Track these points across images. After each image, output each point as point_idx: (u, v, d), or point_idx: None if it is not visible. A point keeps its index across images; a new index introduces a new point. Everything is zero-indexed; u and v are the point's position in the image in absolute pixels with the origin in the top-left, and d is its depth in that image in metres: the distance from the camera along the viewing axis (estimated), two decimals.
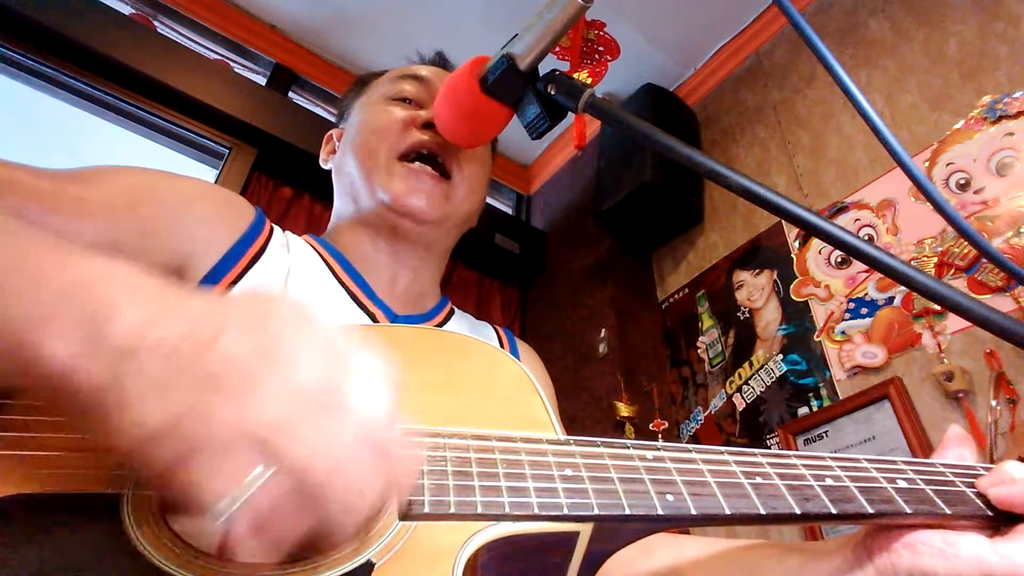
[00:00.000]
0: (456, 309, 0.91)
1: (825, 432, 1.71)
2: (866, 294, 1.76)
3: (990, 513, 0.47)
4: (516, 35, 0.67)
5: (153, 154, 2.29)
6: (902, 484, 0.47)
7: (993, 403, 1.33)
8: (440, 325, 0.84)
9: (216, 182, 2.11)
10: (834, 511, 0.43)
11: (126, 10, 2.32)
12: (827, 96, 2.15)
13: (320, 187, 2.33)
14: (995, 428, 1.30)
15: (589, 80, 2.44)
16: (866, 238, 1.30)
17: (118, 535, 0.35)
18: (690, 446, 0.47)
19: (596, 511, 0.39)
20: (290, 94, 2.66)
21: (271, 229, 0.76)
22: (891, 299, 1.69)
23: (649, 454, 0.45)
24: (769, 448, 1.85)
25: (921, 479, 0.48)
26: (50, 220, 0.52)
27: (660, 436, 2.11)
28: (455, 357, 0.54)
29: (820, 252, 1.95)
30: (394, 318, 0.78)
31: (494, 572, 0.39)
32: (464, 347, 0.56)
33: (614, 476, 0.42)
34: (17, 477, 0.36)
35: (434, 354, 0.54)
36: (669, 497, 0.41)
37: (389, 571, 0.36)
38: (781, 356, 1.93)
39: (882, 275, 0.54)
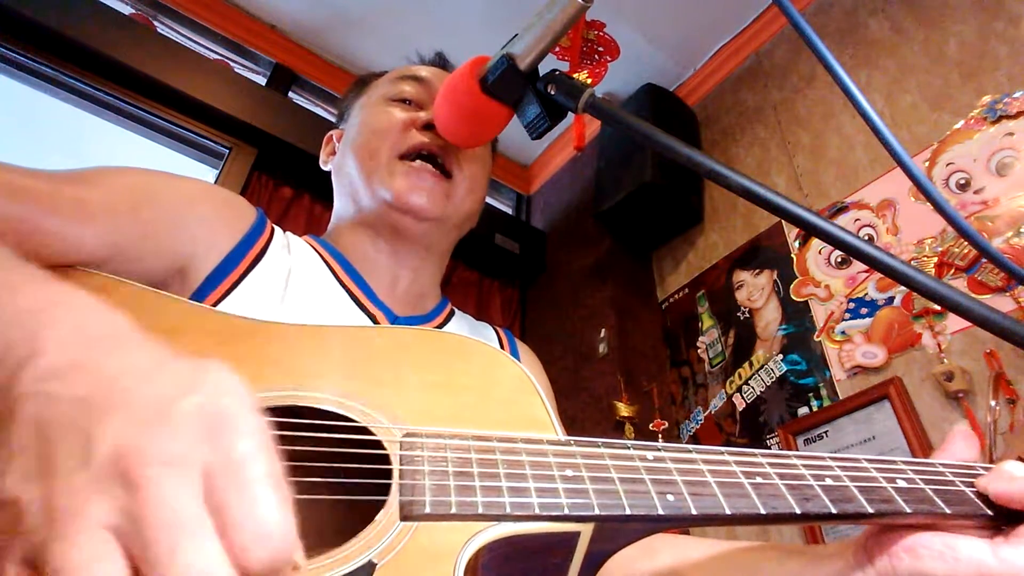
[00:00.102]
0: (456, 310, 0.91)
1: (825, 432, 1.71)
2: (866, 294, 1.76)
3: (990, 513, 0.47)
4: (516, 35, 0.67)
5: (153, 154, 2.29)
6: (902, 484, 0.47)
7: (992, 403, 1.33)
8: (440, 326, 0.85)
9: (216, 182, 2.11)
10: (834, 511, 0.43)
11: (126, 10, 2.32)
12: (827, 96, 2.15)
13: (320, 187, 2.33)
14: (994, 428, 1.30)
15: (589, 80, 2.44)
16: (866, 238, 1.30)
17: None
18: (690, 446, 0.47)
19: (597, 511, 0.39)
20: (290, 94, 2.66)
21: (272, 230, 0.76)
22: (891, 299, 1.69)
23: (649, 454, 0.45)
24: (769, 448, 1.85)
25: (921, 479, 0.48)
26: (50, 222, 0.52)
27: (660, 436, 2.11)
28: (455, 358, 0.54)
29: (820, 252, 1.95)
30: (394, 319, 0.78)
31: (495, 572, 0.39)
32: (464, 348, 0.56)
33: (615, 476, 0.42)
34: None
35: (434, 355, 0.54)
36: (670, 497, 0.41)
37: (390, 571, 0.36)
38: (781, 356, 1.93)
39: (882, 275, 0.54)
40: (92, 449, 0.25)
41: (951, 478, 0.49)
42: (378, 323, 0.75)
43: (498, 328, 0.94)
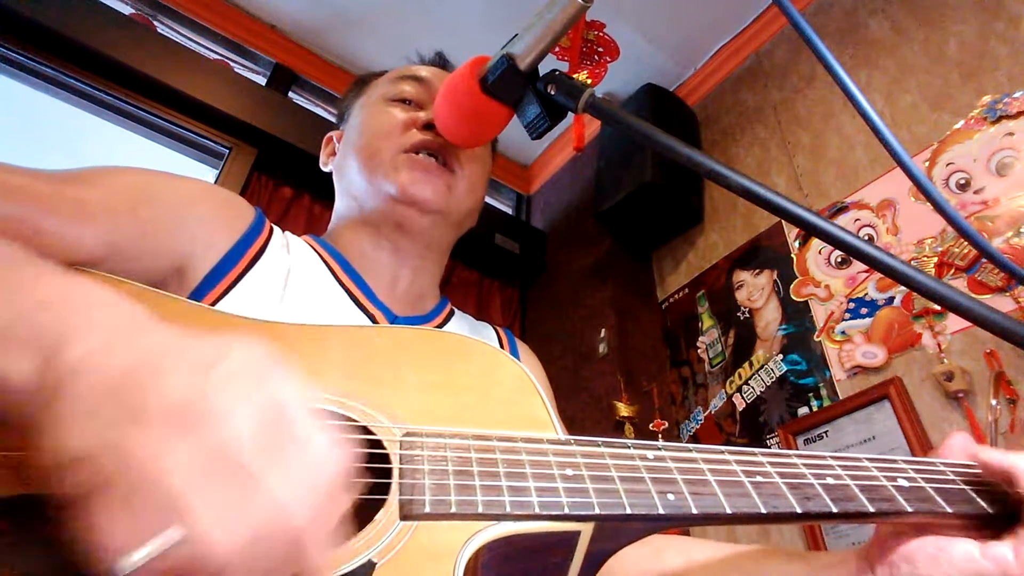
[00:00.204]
0: (456, 310, 0.91)
1: (825, 432, 1.71)
2: (866, 294, 1.76)
3: (991, 511, 0.47)
4: (516, 35, 0.67)
5: (153, 154, 2.29)
6: (903, 483, 0.47)
7: (993, 402, 1.33)
8: (440, 326, 0.84)
9: (216, 182, 2.11)
10: (835, 510, 0.43)
11: (126, 10, 2.32)
12: (827, 96, 2.15)
13: (320, 187, 2.33)
14: (995, 427, 1.30)
15: (588, 81, 2.44)
16: (866, 238, 1.30)
17: None
18: (691, 445, 0.47)
19: (597, 510, 0.39)
20: (290, 94, 2.66)
21: (271, 229, 0.76)
22: (891, 299, 1.69)
23: (650, 454, 0.45)
24: (769, 448, 1.85)
25: (922, 478, 0.48)
26: (49, 222, 0.52)
27: (660, 436, 2.11)
28: (455, 358, 0.54)
29: (820, 252, 1.95)
30: (393, 319, 0.78)
31: (495, 572, 0.39)
32: (464, 348, 0.56)
33: (615, 476, 0.42)
34: (15, 478, 0.36)
35: (434, 355, 0.54)
36: (670, 496, 0.41)
37: (390, 571, 0.36)
38: (781, 356, 1.93)
39: (882, 275, 0.54)
40: (155, 403, 0.28)
41: (952, 477, 0.49)
42: (377, 323, 0.75)
43: (498, 328, 0.94)
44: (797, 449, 1.74)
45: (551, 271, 2.85)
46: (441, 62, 0.96)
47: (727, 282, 2.23)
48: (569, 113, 0.65)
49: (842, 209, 1.92)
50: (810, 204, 2.02)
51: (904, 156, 0.51)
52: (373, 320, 0.75)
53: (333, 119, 1.01)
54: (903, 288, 1.30)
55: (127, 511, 0.26)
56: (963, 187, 1.63)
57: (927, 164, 1.73)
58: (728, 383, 2.07)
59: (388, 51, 2.61)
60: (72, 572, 0.32)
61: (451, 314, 0.89)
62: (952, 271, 1.58)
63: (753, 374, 2.00)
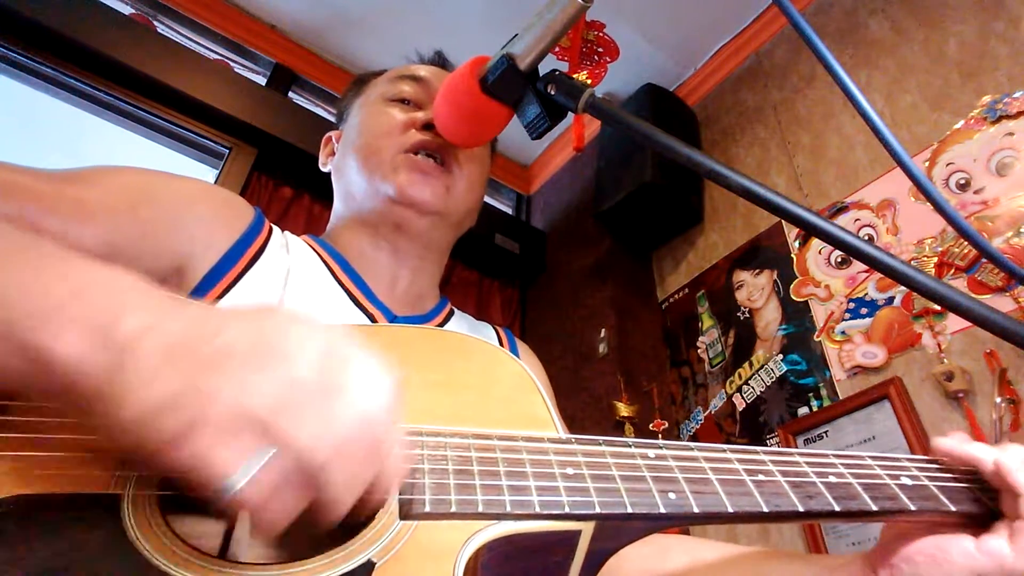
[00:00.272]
0: (456, 310, 0.91)
1: (825, 432, 1.71)
2: (866, 294, 1.76)
3: (995, 508, 0.47)
4: (516, 35, 0.67)
5: (153, 154, 2.29)
6: (906, 481, 0.47)
7: (998, 399, 1.33)
8: (440, 326, 0.84)
9: (216, 182, 2.11)
10: (837, 508, 0.43)
11: (126, 10, 2.31)
12: (827, 96, 2.15)
13: (320, 187, 2.33)
14: (1000, 424, 1.30)
15: (588, 81, 2.44)
16: (866, 238, 1.30)
17: (118, 536, 0.35)
18: (692, 444, 0.47)
19: (598, 510, 0.39)
20: (290, 94, 2.66)
21: (270, 229, 0.76)
22: (891, 299, 1.69)
23: (651, 452, 0.45)
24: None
25: (926, 476, 0.48)
26: (49, 222, 0.52)
27: (660, 436, 2.11)
28: (456, 356, 0.54)
29: (820, 252, 1.95)
30: (392, 319, 0.78)
31: (495, 571, 0.39)
32: (464, 346, 0.56)
33: (616, 474, 0.42)
34: (17, 478, 0.36)
35: (435, 353, 0.54)
36: (671, 495, 0.41)
37: (390, 571, 0.36)
38: (781, 356, 1.93)
39: (882, 275, 0.54)
40: (222, 349, 0.32)
41: (956, 475, 0.49)
42: (376, 323, 0.75)
43: (498, 327, 0.94)
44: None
45: (551, 271, 2.85)
46: (440, 61, 0.96)
47: (727, 282, 2.23)
48: (569, 113, 0.65)
49: (842, 209, 1.92)
50: (810, 204, 2.02)
51: (904, 156, 0.51)
52: (372, 320, 0.75)
53: (333, 119, 1.01)
54: (903, 288, 1.30)
55: (223, 440, 0.30)
56: (963, 187, 1.63)
57: (927, 164, 1.73)
58: (728, 383, 2.07)
59: (388, 51, 2.61)
60: (73, 573, 0.32)
61: (451, 314, 0.89)
62: (952, 271, 1.58)
63: (753, 374, 2.00)
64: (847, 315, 1.79)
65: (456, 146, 0.80)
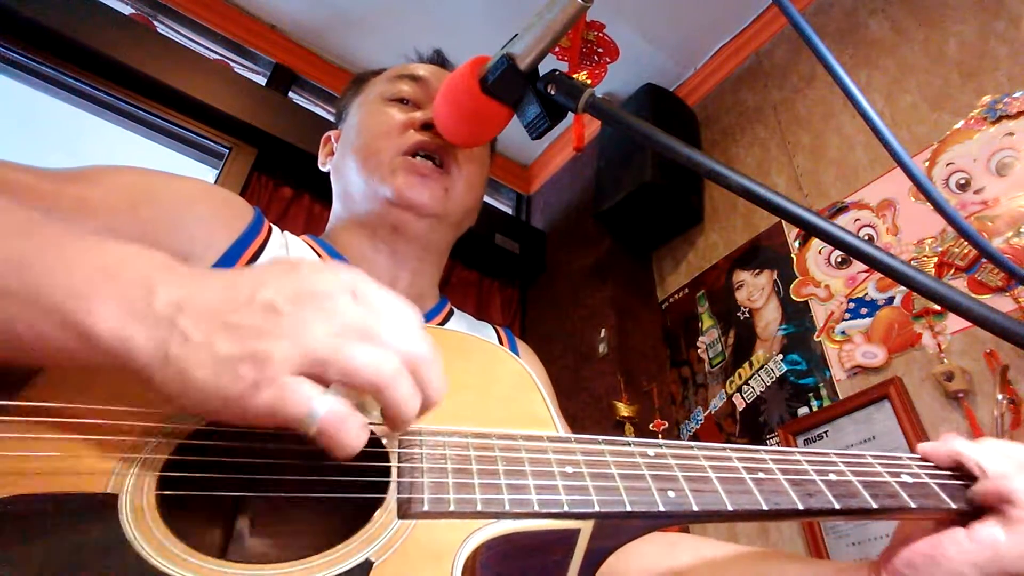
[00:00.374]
0: (456, 309, 0.91)
1: (825, 432, 1.71)
2: (866, 294, 1.76)
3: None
4: (516, 35, 0.67)
5: (153, 154, 2.29)
6: (907, 479, 0.47)
7: (1000, 396, 1.32)
8: (439, 325, 0.84)
9: (216, 182, 2.11)
10: (837, 506, 0.43)
11: (126, 10, 2.31)
12: (827, 96, 2.15)
13: (320, 187, 2.33)
14: (1002, 421, 1.30)
15: (588, 81, 2.44)
16: (866, 238, 1.30)
17: (117, 536, 0.34)
18: (692, 443, 0.47)
19: (597, 508, 0.39)
20: (290, 94, 2.66)
21: (270, 229, 0.76)
22: (891, 299, 1.69)
23: (650, 451, 0.45)
24: None
25: (926, 474, 0.48)
26: None
27: (660, 436, 2.11)
28: (455, 355, 0.54)
29: (820, 252, 1.95)
30: None
31: (494, 570, 0.39)
32: (464, 345, 0.56)
33: (615, 473, 0.42)
34: (16, 478, 0.36)
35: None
36: (671, 493, 0.41)
37: (388, 569, 0.36)
38: (781, 356, 1.93)
39: (882, 275, 0.54)
40: (270, 299, 0.36)
41: (956, 473, 0.49)
42: None
43: (498, 327, 0.94)
44: None
45: (551, 271, 2.85)
46: (439, 60, 0.96)
47: (727, 282, 2.23)
48: (569, 113, 0.65)
49: (842, 209, 1.92)
50: (810, 204, 2.02)
51: (904, 156, 0.51)
52: None
53: (333, 119, 1.01)
54: (903, 288, 1.30)
55: (290, 387, 0.34)
56: (963, 187, 1.63)
57: (927, 164, 1.73)
58: (728, 383, 2.07)
59: (388, 51, 2.61)
60: (71, 572, 0.32)
61: (451, 313, 0.89)
62: (952, 271, 1.58)
63: (753, 374, 1.99)
64: (847, 315, 1.79)
65: (455, 146, 0.80)
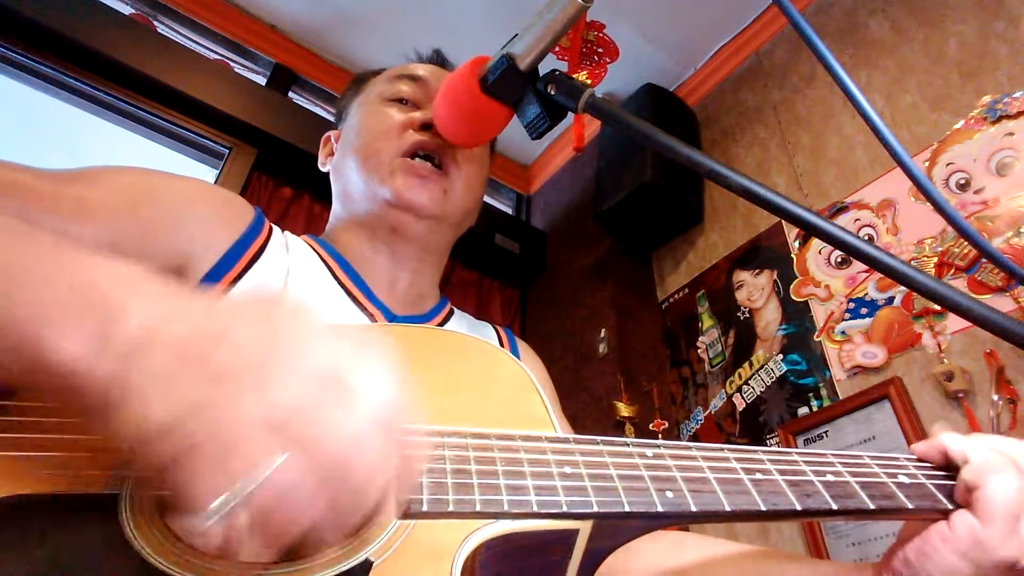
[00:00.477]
0: (455, 309, 0.91)
1: (825, 432, 1.71)
2: (866, 294, 1.76)
3: None
4: (516, 35, 0.67)
5: (153, 154, 2.29)
6: (904, 479, 0.47)
7: (995, 397, 1.33)
8: (439, 326, 0.84)
9: (216, 182, 2.11)
10: (835, 507, 0.43)
11: (126, 10, 2.32)
12: (827, 96, 2.15)
13: (320, 187, 2.32)
14: (998, 422, 1.30)
15: (588, 81, 2.44)
16: (866, 238, 1.30)
17: (116, 535, 0.35)
18: (690, 444, 0.47)
19: (595, 508, 0.39)
20: (290, 94, 2.66)
21: (270, 229, 0.76)
22: (891, 299, 1.69)
23: (649, 452, 0.45)
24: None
25: (923, 474, 0.48)
26: (49, 221, 0.52)
27: (660, 436, 2.11)
28: (455, 356, 0.54)
29: (820, 252, 1.95)
30: (392, 318, 0.78)
31: (493, 570, 0.39)
32: (464, 346, 0.56)
33: (613, 473, 0.42)
34: (15, 478, 0.36)
35: (434, 353, 0.54)
36: (669, 494, 0.41)
37: (387, 569, 0.36)
38: (781, 356, 1.93)
39: (882, 275, 0.54)
40: (225, 362, 0.30)
41: (953, 473, 0.49)
42: (376, 322, 0.75)
43: (498, 327, 0.94)
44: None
45: (551, 271, 2.85)
46: (438, 60, 0.96)
47: (727, 282, 2.23)
48: (569, 113, 0.65)
49: (842, 209, 1.92)
50: (810, 204, 2.02)
51: (904, 156, 0.51)
52: (372, 319, 0.75)
53: (333, 119, 1.01)
54: (903, 288, 1.30)
55: (214, 466, 0.28)
56: (963, 187, 1.63)
57: (927, 164, 1.73)
58: (728, 383, 2.07)
59: (388, 51, 2.60)
60: (71, 573, 0.32)
61: (450, 313, 0.89)
62: (952, 271, 1.58)
63: (753, 374, 2.00)
64: (847, 315, 1.79)
65: (455, 146, 0.80)
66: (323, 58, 2.76)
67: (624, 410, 2.07)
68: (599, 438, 0.46)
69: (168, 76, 2.10)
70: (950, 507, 0.47)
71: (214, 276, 0.65)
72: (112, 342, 0.30)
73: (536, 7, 0.64)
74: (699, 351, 2.23)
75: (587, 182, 2.75)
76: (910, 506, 0.45)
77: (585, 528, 0.40)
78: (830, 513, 0.44)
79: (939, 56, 1.86)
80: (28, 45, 1.97)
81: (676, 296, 2.45)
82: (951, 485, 0.48)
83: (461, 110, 0.72)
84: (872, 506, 0.44)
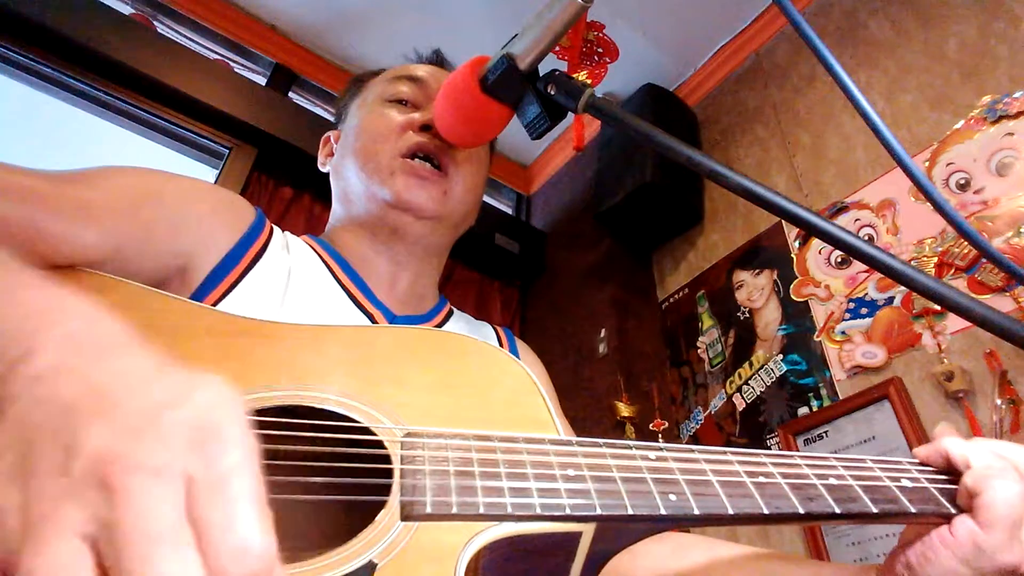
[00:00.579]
0: (455, 309, 0.91)
1: (825, 432, 1.71)
2: (866, 294, 1.76)
3: None
4: (516, 35, 0.67)
5: (153, 154, 2.29)
6: (907, 483, 0.47)
7: (998, 401, 1.33)
8: (439, 326, 0.85)
9: (216, 182, 2.11)
10: (838, 511, 0.43)
11: (126, 10, 2.31)
12: (827, 96, 2.15)
13: (320, 187, 2.32)
14: (1000, 426, 1.30)
15: (588, 81, 2.44)
16: (866, 238, 1.30)
17: None
18: (693, 446, 0.47)
19: (599, 511, 0.39)
20: (290, 94, 2.66)
21: (271, 229, 0.76)
22: (891, 299, 1.69)
23: (652, 454, 0.45)
24: (769, 448, 1.85)
25: (926, 478, 0.48)
26: (51, 223, 0.52)
27: (660, 436, 2.11)
28: (456, 358, 0.54)
29: (820, 252, 1.95)
30: (392, 319, 0.78)
31: (496, 572, 0.39)
32: (465, 348, 0.56)
33: (616, 476, 0.42)
34: None
35: (436, 355, 0.54)
36: (672, 497, 0.41)
37: (391, 571, 0.36)
38: (781, 356, 1.93)
39: (882, 275, 0.54)
40: (72, 455, 0.24)
41: (955, 477, 0.49)
42: (376, 323, 0.75)
43: (497, 327, 0.94)
44: (797, 449, 1.74)
45: (551, 271, 2.85)
46: (438, 60, 0.96)
47: (727, 282, 2.23)
48: (569, 113, 0.65)
49: (842, 209, 1.92)
50: (810, 204, 2.02)
51: (904, 156, 0.51)
52: (372, 320, 0.75)
53: (332, 119, 1.01)
54: (903, 288, 1.30)
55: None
56: (963, 187, 1.63)
57: (927, 164, 1.73)
58: (728, 383, 2.07)
59: (388, 51, 2.60)
60: None
61: (450, 313, 0.89)
62: (952, 271, 1.58)
63: (753, 374, 2.00)
64: (847, 315, 1.79)
65: (455, 147, 0.80)
66: (323, 58, 2.76)
67: (624, 410, 2.07)
68: (602, 440, 0.46)
69: (168, 76, 2.10)
70: (952, 511, 0.47)
71: (216, 276, 0.65)
72: (9, 381, 0.28)
73: (536, 7, 0.64)
74: (699, 351, 2.23)
75: (587, 182, 2.75)
76: (913, 510, 0.45)
77: (588, 530, 0.40)
78: (833, 517, 0.44)
79: (939, 56, 1.86)
80: (28, 45, 1.96)
81: (676, 296, 2.45)
82: (953, 489, 0.48)
83: (461, 110, 0.72)
84: (875, 510, 0.44)
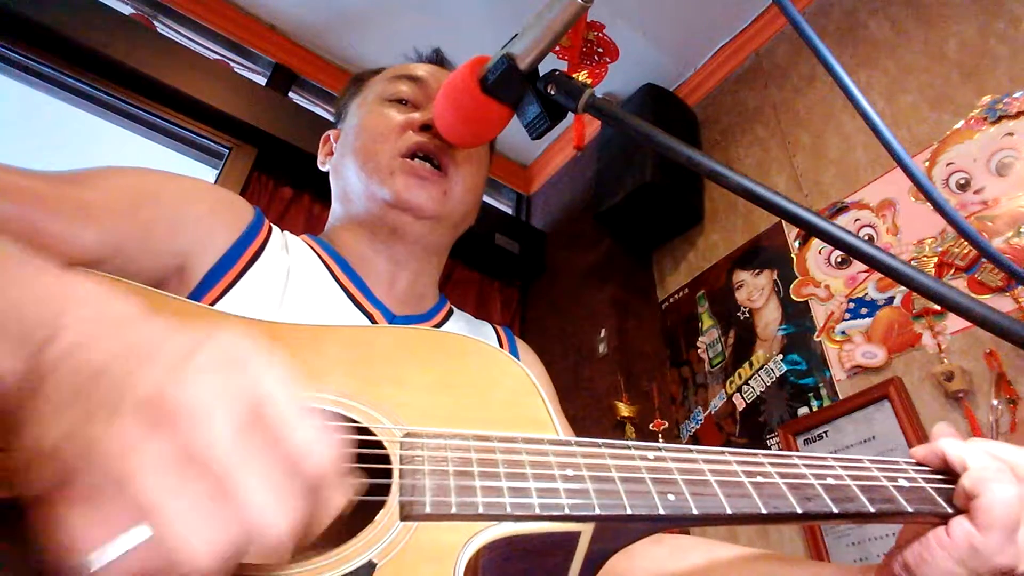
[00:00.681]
0: (455, 309, 0.91)
1: (825, 432, 1.71)
2: (866, 294, 1.76)
3: None
4: (516, 35, 0.67)
5: (153, 154, 2.29)
6: (904, 483, 0.47)
7: (995, 402, 1.33)
8: (439, 325, 0.84)
9: (216, 182, 2.11)
10: (835, 510, 0.44)
11: (126, 10, 2.31)
12: (827, 96, 2.15)
13: (320, 187, 2.31)
14: (996, 427, 1.30)
15: (589, 81, 2.44)
16: (866, 238, 1.30)
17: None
18: (692, 447, 0.47)
19: (597, 511, 0.39)
20: (290, 94, 2.66)
21: (270, 229, 0.76)
22: (891, 299, 1.69)
23: (651, 454, 0.45)
24: (769, 448, 1.85)
25: (923, 478, 0.48)
26: (50, 223, 0.52)
27: (660, 436, 2.11)
28: (456, 358, 0.54)
29: (820, 252, 1.95)
30: (392, 318, 0.78)
31: (495, 572, 0.39)
32: (465, 348, 0.56)
33: (615, 476, 0.42)
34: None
35: (435, 355, 0.54)
36: (670, 497, 0.41)
37: (390, 571, 0.36)
38: (781, 356, 1.93)
39: (882, 275, 0.54)
40: (128, 397, 0.26)
41: (952, 477, 0.49)
42: (376, 322, 0.75)
43: (497, 326, 0.94)
44: (797, 449, 1.74)
45: (551, 271, 2.85)
46: (438, 59, 0.96)
47: (727, 282, 2.23)
48: (569, 113, 0.65)
49: (842, 209, 1.92)
50: (810, 204, 2.02)
51: (904, 156, 0.51)
52: (372, 319, 0.75)
53: (332, 119, 1.01)
54: (903, 288, 1.30)
55: (93, 508, 0.24)
56: (963, 187, 1.63)
57: (927, 164, 1.73)
58: (728, 383, 2.07)
59: (388, 51, 2.60)
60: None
61: (450, 313, 0.89)
62: (952, 271, 1.58)
63: (753, 374, 2.00)
64: (847, 315, 1.79)
65: (455, 147, 0.80)
66: (323, 58, 2.76)
67: (624, 410, 2.07)
68: (601, 440, 0.46)
69: (168, 76, 2.10)
70: (949, 511, 0.47)
71: (214, 276, 0.65)
72: (39, 361, 0.29)
73: (536, 7, 0.64)
74: (699, 351, 2.23)
75: (587, 182, 2.75)
76: (910, 510, 0.46)
77: (587, 530, 0.40)
78: (830, 516, 0.44)
79: (939, 56, 1.86)
80: (28, 45, 1.96)
81: (676, 296, 2.45)
82: (950, 489, 0.48)
83: (461, 110, 0.72)
84: (872, 509, 0.44)
